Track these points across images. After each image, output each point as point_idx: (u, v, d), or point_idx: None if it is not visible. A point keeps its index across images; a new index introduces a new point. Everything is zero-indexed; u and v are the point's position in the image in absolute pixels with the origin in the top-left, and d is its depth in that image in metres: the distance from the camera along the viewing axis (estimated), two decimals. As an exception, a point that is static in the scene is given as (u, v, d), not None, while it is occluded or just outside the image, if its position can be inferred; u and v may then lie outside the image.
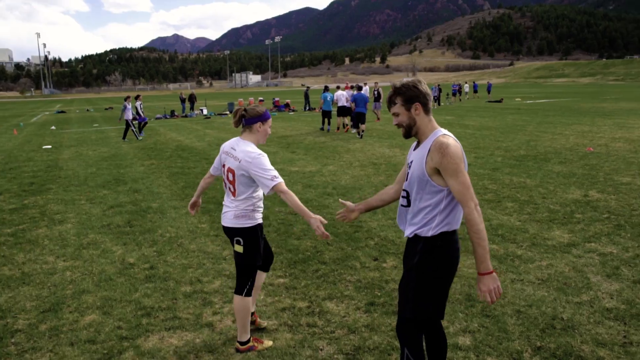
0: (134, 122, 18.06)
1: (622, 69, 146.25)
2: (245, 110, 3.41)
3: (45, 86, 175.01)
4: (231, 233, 3.43)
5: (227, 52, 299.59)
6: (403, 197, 2.80)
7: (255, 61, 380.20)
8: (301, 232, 6.23)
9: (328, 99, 19.38)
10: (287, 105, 34.70)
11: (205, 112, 32.22)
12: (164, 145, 15.74)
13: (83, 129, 23.75)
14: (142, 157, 13.34)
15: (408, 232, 2.75)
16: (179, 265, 5.18)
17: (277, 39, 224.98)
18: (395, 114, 2.76)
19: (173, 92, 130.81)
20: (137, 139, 17.58)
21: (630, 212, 6.83)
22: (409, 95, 2.70)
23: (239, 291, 3.50)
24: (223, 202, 3.56)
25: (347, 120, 19.60)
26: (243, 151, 3.30)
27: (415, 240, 2.71)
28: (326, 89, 21.51)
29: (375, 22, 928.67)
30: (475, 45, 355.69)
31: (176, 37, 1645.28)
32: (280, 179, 3.30)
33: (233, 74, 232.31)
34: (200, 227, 6.58)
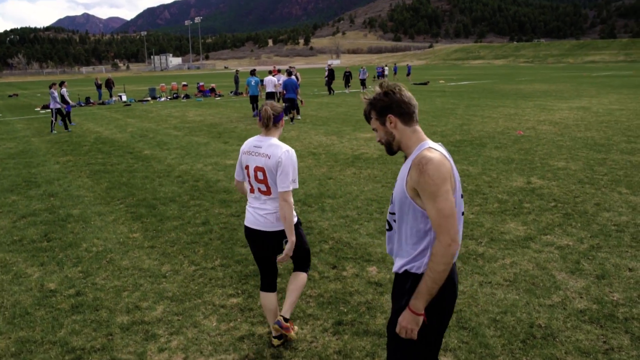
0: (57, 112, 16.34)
1: (531, 51, 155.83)
2: (271, 109, 3.33)
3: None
4: (277, 237, 3.31)
5: (144, 33, 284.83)
6: (393, 220, 2.36)
7: (175, 43, 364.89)
8: (248, 238, 5.67)
9: (253, 83, 18.84)
10: (212, 90, 33.32)
11: (124, 98, 30.18)
12: (80, 138, 14.35)
13: (-16, 120, 21.33)
14: (57, 152, 12.03)
15: (396, 267, 2.30)
16: (111, 289, 4.48)
17: (197, 19, 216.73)
18: (374, 130, 2.33)
19: (86, 76, 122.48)
20: (51, 132, 15.96)
21: (573, 199, 6.90)
22: (380, 106, 2.25)
23: (305, 270, 3.57)
24: (250, 206, 3.37)
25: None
26: (272, 146, 3.24)
27: (404, 277, 2.27)
28: (252, 73, 20.71)
29: (298, 3, 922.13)
30: (396, 28, 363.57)
31: (86, 17, 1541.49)
32: (292, 187, 3.23)
33: (152, 57, 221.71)
34: (131, 237, 5.83)
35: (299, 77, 21.68)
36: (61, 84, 17.39)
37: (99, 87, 31.40)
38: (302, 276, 3.53)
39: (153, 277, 4.68)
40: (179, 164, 10.02)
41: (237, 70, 36.87)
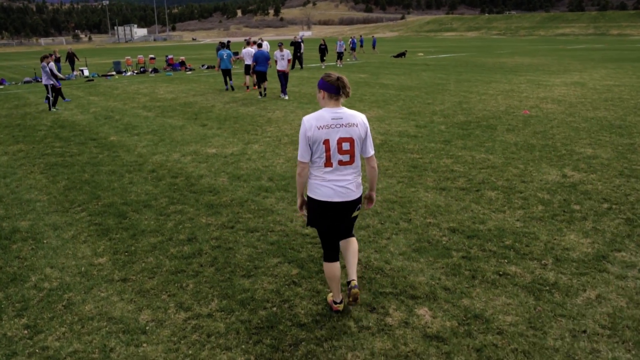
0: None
1: (503, 24, 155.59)
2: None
3: None
4: (356, 204, 3.40)
5: (106, 2, 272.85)
6: None
7: (140, 13, 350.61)
8: (249, 261, 4.43)
9: (225, 56, 17.92)
10: (182, 63, 31.26)
11: (86, 73, 27.90)
12: (35, 121, 12.62)
13: None
14: (5, 139, 10.36)
15: None
16: (70, 357, 3.19)
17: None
18: None
19: (45, 47, 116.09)
20: (50, 109, 14.31)
21: (626, 198, 5.88)
22: None
23: (353, 234, 3.62)
24: (326, 180, 3.27)
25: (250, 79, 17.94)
26: (353, 115, 3.26)
27: None
28: (227, 45, 19.35)
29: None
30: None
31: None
32: None
33: (115, 27, 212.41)
34: (96, 263, 4.50)
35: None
36: (50, 56, 15.46)
37: (57, 60, 28.93)
38: (355, 241, 3.62)
39: (128, 334, 3.40)
40: (151, 154, 8.59)
41: (220, 42, 34.56)
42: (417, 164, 7.47)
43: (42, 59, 14.42)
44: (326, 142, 3.17)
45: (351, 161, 3.25)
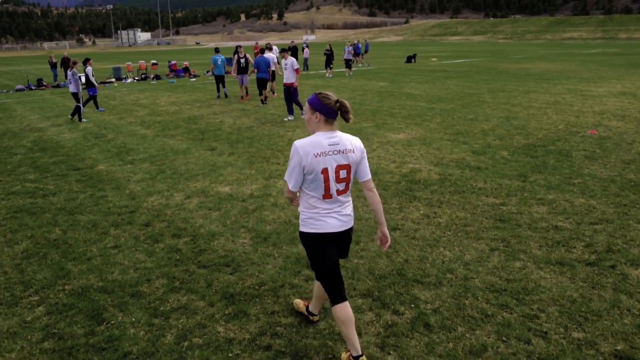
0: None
1: (509, 27, 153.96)
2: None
3: None
4: (350, 234, 3.14)
5: (109, 6, 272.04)
6: None
7: (144, 17, 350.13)
8: None
9: (219, 62, 17.25)
10: (186, 69, 29.41)
11: (83, 79, 26.08)
12: (14, 141, 10.74)
13: None
14: (-28, 167, 8.49)
15: None
16: None
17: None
18: None
19: (48, 51, 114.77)
20: (80, 120, 13.06)
21: None
22: None
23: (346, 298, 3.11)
24: (329, 212, 2.98)
25: (269, 86, 16.39)
26: (349, 140, 2.99)
27: None
28: (235, 51, 17.67)
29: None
30: (371, 2, 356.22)
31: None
32: None
33: (119, 32, 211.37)
34: None
35: (249, 58, 17.05)
36: (85, 61, 13.89)
37: (53, 66, 27.22)
38: (348, 307, 3.05)
39: None
40: (147, 194, 6.70)
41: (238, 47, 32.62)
42: (503, 216, 5.55)
43: (72, 65, 12.86)
44: (324, 171, 2.91)
45: (346, 189, 3.04)
